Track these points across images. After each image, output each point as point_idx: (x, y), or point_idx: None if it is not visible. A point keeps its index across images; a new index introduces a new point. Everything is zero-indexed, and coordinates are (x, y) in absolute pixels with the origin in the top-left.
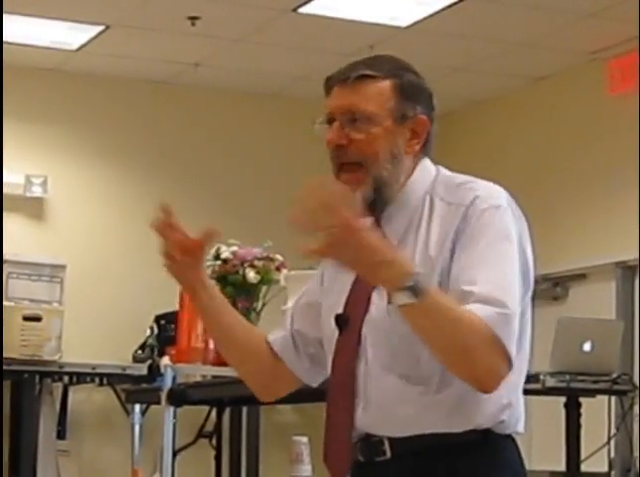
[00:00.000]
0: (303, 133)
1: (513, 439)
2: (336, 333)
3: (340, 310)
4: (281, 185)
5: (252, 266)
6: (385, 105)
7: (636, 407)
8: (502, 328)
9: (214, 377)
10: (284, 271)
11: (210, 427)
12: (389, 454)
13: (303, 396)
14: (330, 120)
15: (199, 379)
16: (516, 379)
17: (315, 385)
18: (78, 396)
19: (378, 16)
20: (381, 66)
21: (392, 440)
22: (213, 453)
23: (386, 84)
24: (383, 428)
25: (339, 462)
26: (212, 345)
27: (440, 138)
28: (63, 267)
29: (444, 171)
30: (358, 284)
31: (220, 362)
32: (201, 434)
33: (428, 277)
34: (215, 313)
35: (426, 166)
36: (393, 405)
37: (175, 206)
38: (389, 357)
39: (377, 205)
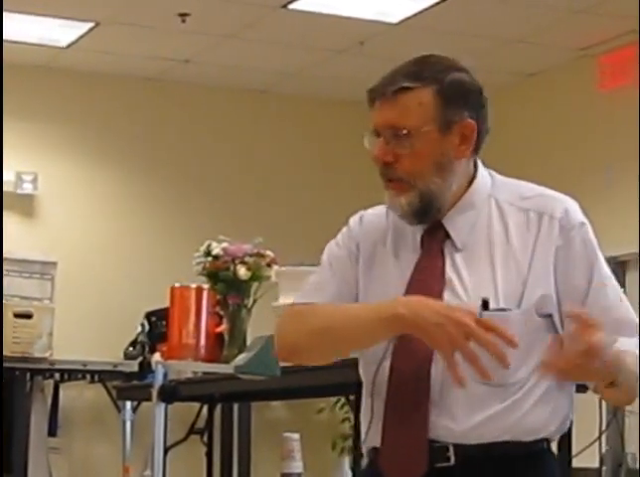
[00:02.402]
0: (293, 130)
1: (552, 446)
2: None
3: None
4: (272, 181)
5: (243, 263)
6: (427, 116)
7: None
8: None
9: (205, 373)
10: (275, 267)
11: (201, 424)
12: (453, 461)
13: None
14: (377, 134)
15: (190, 375)
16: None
17: None
18: (69, 392)
19: (368, 12)
20: (420, 73)
21: (457, 447)
22: (204, 450)
23: (426, 93)
24: (452, 436)
25: (410, 467)
26: (203, 341)
27: None
28: (53, 264)
29: (497, 175)
30: (419, 285)
31: (211, 358)
32: (192, 431)
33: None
34: None
35: (482, 169)
36: (473, 412)
37: (165, 202)
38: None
39: (427, 215)
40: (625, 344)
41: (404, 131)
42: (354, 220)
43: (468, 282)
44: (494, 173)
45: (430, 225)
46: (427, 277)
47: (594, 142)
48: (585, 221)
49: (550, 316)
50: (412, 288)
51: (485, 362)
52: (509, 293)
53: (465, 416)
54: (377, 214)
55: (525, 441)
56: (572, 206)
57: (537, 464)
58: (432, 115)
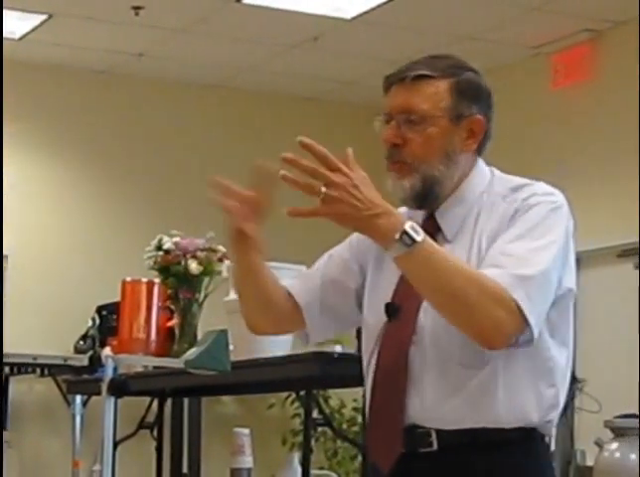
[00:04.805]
0: (246, 124)
1: (546, 441)
2: (382, 321)
3: (388, 299)
4: (224, 175)
5: (195, 257)
6: (440, 105)
7: (577, 400)
8: (515, 287)
9: (155, 367)
10: (227, 262)
11: (151, 418)
12: (435, 446)
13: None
14: (388, 119)
15: (140, 369)
16: (567, 379)
17: (309, 342)
18: (18, 386)
19: (322, 7)
20: (438, 65)
21: (440, 433)
22: (154, 444)
23: (442, 84)
24: (433, 420)
25: (387, 450)
26: (153, 336)
27: None
28: (4, 258)
29: (498, 172)
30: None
31: (161, 353)
32: (142, 425)
33: (421, 231)
34: (254, 274)
35: (482, 167)
36: (447, 395)
37: (117, 196)
38: (449, 345)
39: (427, 200)
40: (485, 270)
41: (418, 115)
42: None
43: None
44: (496, 170)
45: (425, 217)
46: None
47: (546, 140)
48: (552, 200)
49: None
50: (401, 280)
51: (455, 342)
52: None
53: (442, 399)
54: None
55: (505, 429)
56: (545, 192)
57: (520, 453)
58: (446, 105)
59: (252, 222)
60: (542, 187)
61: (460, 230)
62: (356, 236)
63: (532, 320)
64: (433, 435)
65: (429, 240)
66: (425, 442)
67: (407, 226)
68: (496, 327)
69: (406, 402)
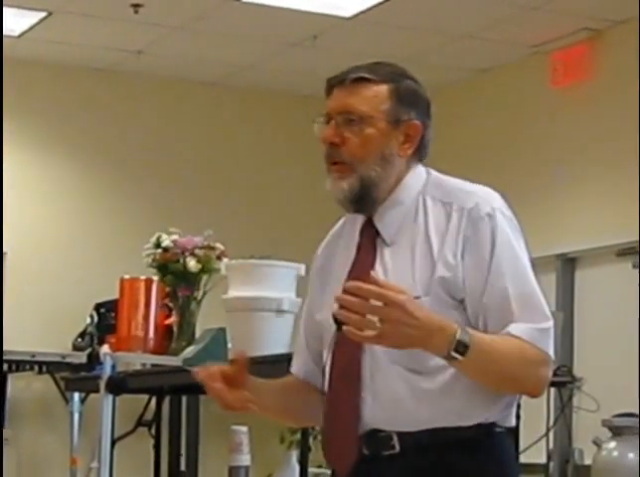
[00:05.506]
0: (245, 122)
1: (509, 433)
2: (333, 329)
3: (336, 307)
4: (223, 173)
5: (193, 255)
6: (380, 108)
7: (575, 399)
8: (543, 342)
9: (153, 365)
10: (225, 260)
11: (149, 416)
12: (397, 448)
13: None
14: (328, 120)
15: (138, 367)
16: None
17: None
18: (17, 383)
19: (321, 5)
20: (379, 70)
21: (401, 435)
22: (152, 442)
23: (382, 88)
24: (392, 423)
25: (344, 454)
26: (151, 333)
27: None
28: (3, 255)
29: (435, 173)
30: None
31: (159, 350)
32: (140, 423)
33: (468, 332)
34: (268, 403)
35: (419, 170)
36: (402, 398)
37: (116, 193)
38: (395, 351)
39: (365, 201)
40: (512, 328)
41: (356, 116)
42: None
43: (391, 275)
44: (433, 171)
45: (364, 223)
46: (359, 273)
47: (546, 139)
48: (499, 207)
49: (462, 301)
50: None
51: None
52: (422, 282)
53: (398, 403)
54: (335, 230)
55: (465, 427)
56: (487, 198)
57: (482, 449)
58: (385, 108)
59: (235, 390)
60: (480, 191)
61: (398, 232)
62: (312, 277)
63: (553, 359)
64: (395, 438)
65: (477, 338)
66: (387, 445)
67: (459, 335)
68: (539, 383)
69: (363, 408)
